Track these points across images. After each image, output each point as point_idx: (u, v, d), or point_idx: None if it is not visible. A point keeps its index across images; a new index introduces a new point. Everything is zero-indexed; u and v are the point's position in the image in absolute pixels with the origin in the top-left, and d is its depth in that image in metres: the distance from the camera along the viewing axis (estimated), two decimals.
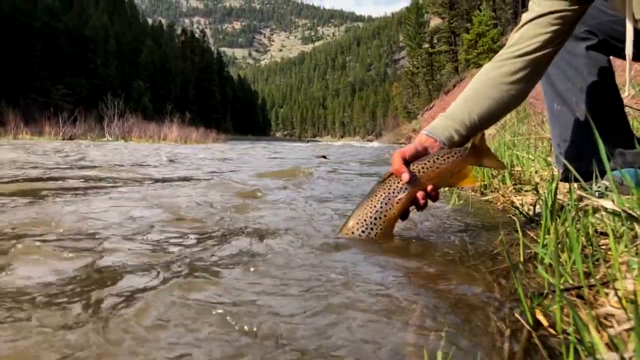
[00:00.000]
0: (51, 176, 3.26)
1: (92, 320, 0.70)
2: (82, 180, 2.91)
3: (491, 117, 1.32)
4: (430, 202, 1.27)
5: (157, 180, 3.07)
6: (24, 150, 7.40)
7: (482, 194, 2.25)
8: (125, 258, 1.05)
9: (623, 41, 1.26)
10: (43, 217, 1.55)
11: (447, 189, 2.11)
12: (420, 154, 1.27)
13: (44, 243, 1.16)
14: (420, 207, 1.24)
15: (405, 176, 1.21)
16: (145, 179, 3.21)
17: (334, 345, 0.63)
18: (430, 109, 42.26)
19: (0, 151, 6.95)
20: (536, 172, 2.20)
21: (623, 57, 1.45)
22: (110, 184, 2.76)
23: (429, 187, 1.23)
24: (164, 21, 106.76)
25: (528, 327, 0.66)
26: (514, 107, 1.40)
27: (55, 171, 3.77)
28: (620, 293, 0.66)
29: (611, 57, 1.66)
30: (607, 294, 0.70)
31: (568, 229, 0.91)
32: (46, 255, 1.06)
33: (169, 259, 1.05)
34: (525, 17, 1.34)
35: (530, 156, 2.42)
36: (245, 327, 0.66)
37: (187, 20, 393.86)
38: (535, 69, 1.31)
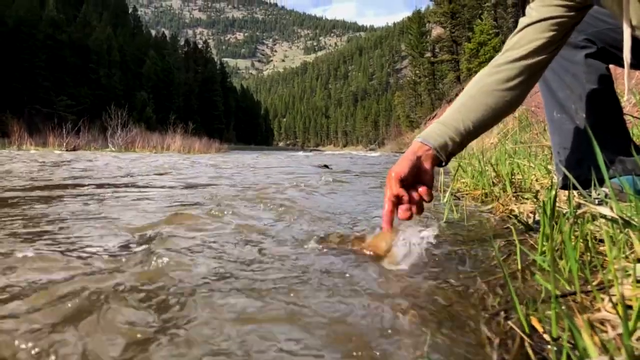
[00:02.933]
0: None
1: None
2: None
3: (486, 123, 1.32)
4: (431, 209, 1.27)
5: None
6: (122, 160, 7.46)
7: (483, 202, 2.25)
8: None
9: (622, 49, 1.26)
10: None
11: (446, 195, 2.11)
12: (415, 167, 1.24)
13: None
14: (419, 210, 1.24)
15: (406, 198, 1.20)
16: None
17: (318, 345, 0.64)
18: (433, 117, 42.27)
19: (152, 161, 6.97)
20: (536, 180, 2.20)
21: (622, 65, 1.46)
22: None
23: (420, 190, 1.22)
24: (167, 32, 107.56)
25: (521, 334, 0.66)
26: (509, 113, 1.40)
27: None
28: (615, 299, 0.66)
29: (610, 66, 1.66)
30: (602, 300, 0.70)
31: (564, 236, 0.92)
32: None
33: None
34: (522, 21, 1.34)
35: (531, 164, 2.43)
36: None
37: (190, 31, 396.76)
38: (530, 75, 1.31)
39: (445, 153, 1.28)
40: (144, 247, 1.21)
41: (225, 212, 1.76)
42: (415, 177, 1.24)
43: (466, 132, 1.29)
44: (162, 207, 2.14)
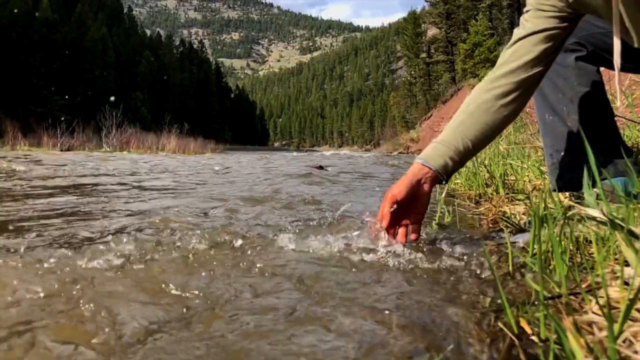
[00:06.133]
0: None
1: None
2: None
3: (484, 140, 1.35)
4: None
5: None
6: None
7: (477, 202, 2.26)
8: None
9: (612, 53, 1.27)
10: None
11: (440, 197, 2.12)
12: (414, 189, 1.27)
13: None
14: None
15: (390, 224, 1.25)
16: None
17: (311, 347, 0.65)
18: (428, 118, 42.33)
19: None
20: (529, 181, 2.21)
21: (612, 68, 1.47)
22: None
23: (410, 228, 1.28)
24: (162, 32, 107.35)
25: (510, 335, 0.67)
26: (506, 127, 1.43)
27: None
28: (602, 301, 0.67)
29: (601, 68, 1.68)
30: (590, 301, 0.71)
31: (551, 238, 0.92)
32: None
33: None
34: (517, 33, 1.36)
35: (524, 165, 2.44)
36: None
37: (185, 32, 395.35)
38: (526, 89, 1.34)
39: (446, 173, 1.31)
40: None
41: None
42: (413, 199, 1.27)
43: (465, 151, 1.31)
44: None
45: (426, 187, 1.29)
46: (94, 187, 3.55)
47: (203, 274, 1.01)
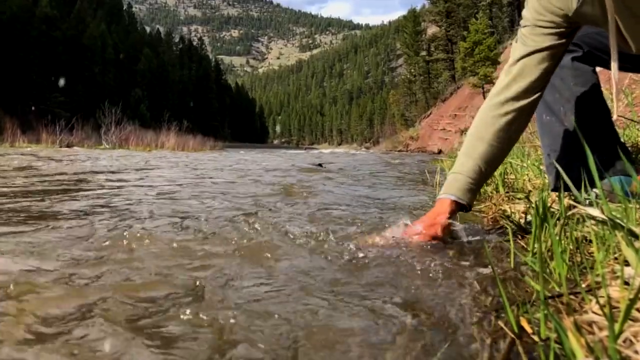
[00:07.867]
0: None
1: None
2: None
3: (498, 163, 1.49)
4: None
5: None
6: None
7: (477, 200, 2.26)
8: None
9: (607, 53, 1.28)
10: None
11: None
12: (447, 227, 1.35)
13: None
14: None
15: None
16: None
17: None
18: (428, 116, 42.34)
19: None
20: (529, 180, 2.21)
21: (608, 68, 1.48)
22: None
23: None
24: (162, 29, 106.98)
25: (511, 334, 0.67)
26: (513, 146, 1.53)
27: None
28: (602, 300, 0.67)
29: (597, 68, 1.68)
30: (590, 301, 0.71)
31: (551, 237, 0.93)
32: None
33: None
34: (519, 49, 1.37)
35: (524, 164, 2.44)
36: None
37: (185, 29, 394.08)
38: (529, 112, 1.42)
39: (473, 202, 1.43)
40: None
41: None
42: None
43: (485, 177, 1.44)
44: None
45: (454, 215, 1.40)
46: (120, 182, 3.56)
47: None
